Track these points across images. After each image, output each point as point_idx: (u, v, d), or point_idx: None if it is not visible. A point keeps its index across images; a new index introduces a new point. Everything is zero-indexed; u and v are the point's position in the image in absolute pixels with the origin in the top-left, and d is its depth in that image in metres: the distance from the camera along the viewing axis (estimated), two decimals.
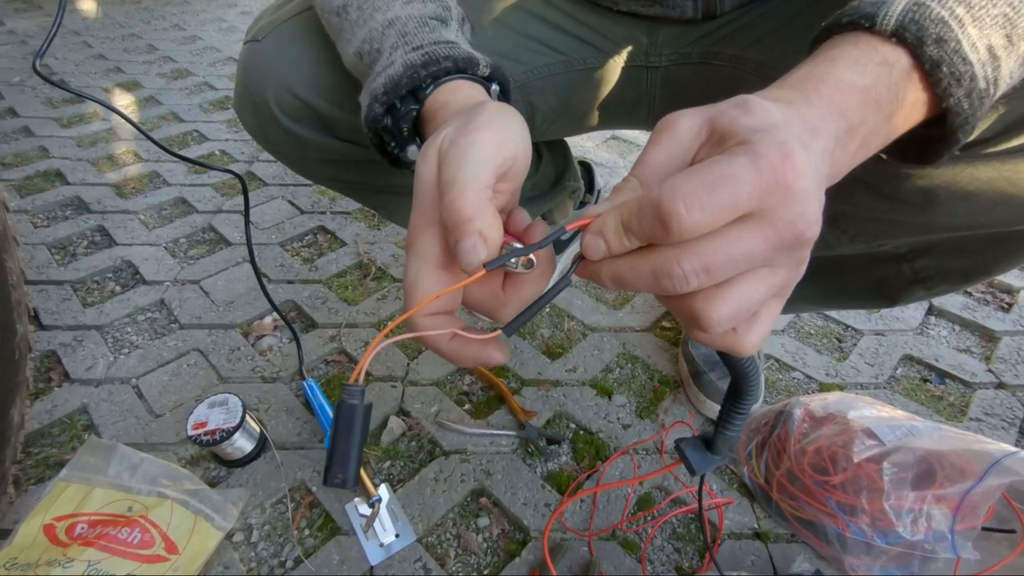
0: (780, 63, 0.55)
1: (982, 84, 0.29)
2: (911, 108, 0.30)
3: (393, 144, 0.40)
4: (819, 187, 0.24)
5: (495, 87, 0.41)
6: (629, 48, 0.63)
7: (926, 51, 0.28)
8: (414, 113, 0.38)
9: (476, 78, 0.39)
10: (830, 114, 0.27)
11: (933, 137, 0.32)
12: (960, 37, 0.28)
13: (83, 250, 1.14)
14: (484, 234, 0.28)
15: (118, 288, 1.05)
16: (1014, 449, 0.51)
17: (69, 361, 0.89)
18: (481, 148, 0.29)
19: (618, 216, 0.25)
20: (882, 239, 0.52)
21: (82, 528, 0.61)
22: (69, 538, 0.60)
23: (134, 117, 1.65)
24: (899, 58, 0.29)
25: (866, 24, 0.29)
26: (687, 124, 0.27)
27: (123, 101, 1.77)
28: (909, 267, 0.55)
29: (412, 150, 0.41)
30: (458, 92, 0.37)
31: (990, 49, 0.29)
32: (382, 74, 0.39)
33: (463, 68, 0.38)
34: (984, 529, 0.56)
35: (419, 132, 0.40)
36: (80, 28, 2.41)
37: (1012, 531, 0.56)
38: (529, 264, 0.31)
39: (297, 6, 0.55)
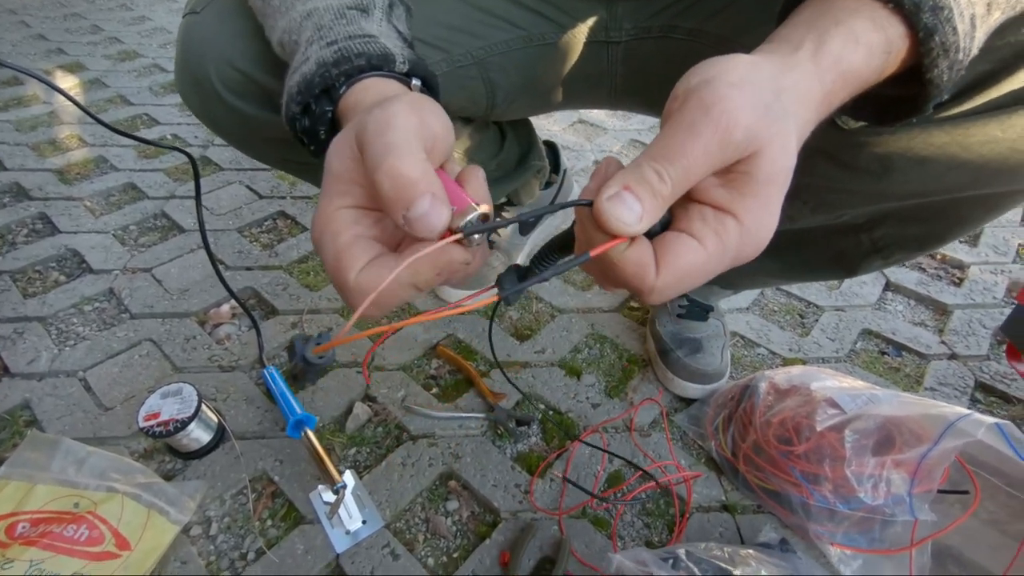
0: (739, 36, 0.55)
1: (961, 56, 0.28)
2: (887, 73, 0.29)
3: (313, 148, 0.38)
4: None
5: (416, 82, 0.38)
6: (589, 23, 0.62)
7: (923, 18, 0.27)
8: (329, 114, 0.36)
9: (393, 75, 0.37)
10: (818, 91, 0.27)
11: (895, 98, 0.32)
12: (952, 4, 0.27)
13: (23, 239, 1.07)
14: (436, 195, 0.26)
15: (62, 278, 0.99)
16: (967, 411, 0.53)
17: (8, 355, 0.83)
18: (404, 121, 0.28)
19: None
20: (841, 209, 0.52)
21: (23, 527, 0.57)
22: (9, 538, 0.56)
23: (79, 100, 1.56)
24: (898, 39, 0.28)
25: None
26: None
27: (66, 83, 1.67)
28: (867, 237, 0.56)
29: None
30: (368, 91, 0.35)
31: (972, 19, 0.28)
32: (297, 71, 0.36)
33: (377, 65, 0.36)
34: (939, 491, 0.58)
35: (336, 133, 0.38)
36: (17, 7, 2.27)
37: (965, 492, 0.58)
38: (486, 220, 0.29)
39: None
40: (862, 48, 0.28)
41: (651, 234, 0.27)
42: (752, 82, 0.25)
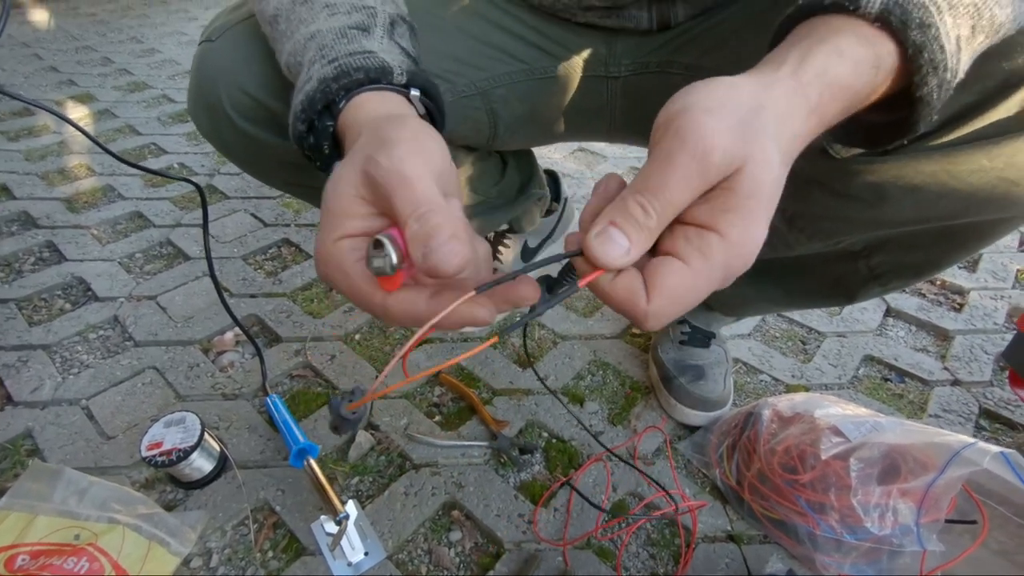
0: (733, 70, 0.56)
1: (949, 76, 0.29)
2: (878, 94, 0.30)
3: (318, 164, 0.39)
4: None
5: (414, 92, 0.39)
6: (589, 58, 0.64)
7: (910, 35, 0.28)
8: (331, 129, 0.37)
9: (393, 87, 0.38)
10: (804, 108, 0.28)
11: (887, 124, 0.33)
12: (939, 24, 0.28)
13: (30, 267, 1.08)
14: (456, 232, 0.26)
15: (68, 305, 1.00)
16: (972, 440, 0.53)
17: (12, 383, 0.84)
18: (415, 156, 0.29)
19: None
20: (837, 236, 0.53)
21: (23, 560, 0.57)
22: (8, 571, 0.56)
23: (88, 130, 1.59)
24: (887, 55, 0.29)
25: (851, 7, 0.29)
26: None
27: (76, 114, 1.71)
28: (865, 264, 0.57)
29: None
30: (362, 107, 0.36)
31: (958, 40, 0.29)
32: (301, 91, 0.38)
33: (376, 78, 0.37)
34: (947, 521, 0.57)
35: (340, 149, 0.39)
36: (30, 40, 2.33)
37: (973, 522, 0.58)
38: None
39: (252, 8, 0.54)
40: (847, 61, 0.28)
41: None
42: (727, 104, 0.26)
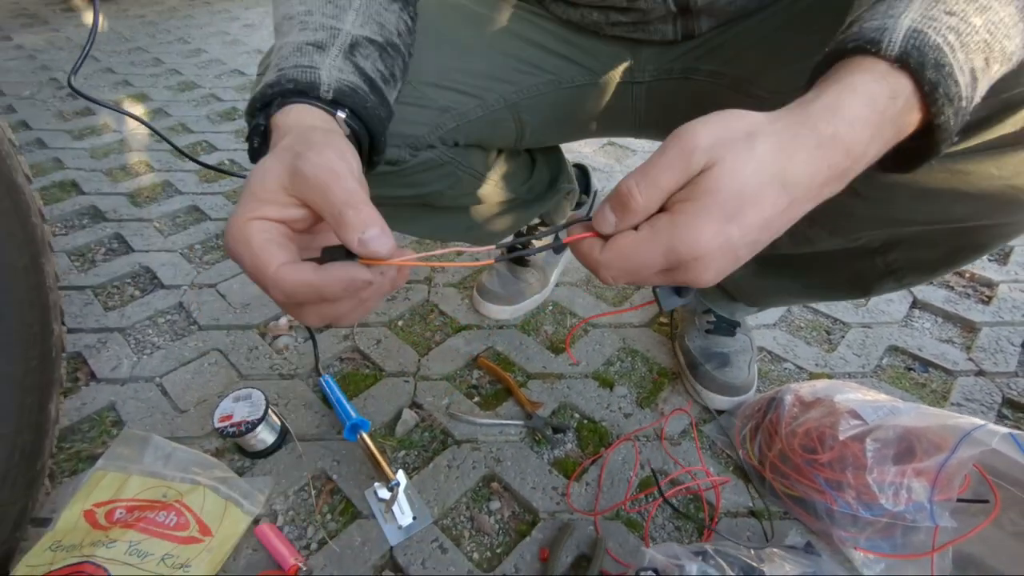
0: (755, 77, 0.60)
1: (964, 104, 0.32)
2: (904, 130, 0.33)
3: (249, 154, 0.43)
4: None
5: (340, 113, 0.42)
6: (615, 67, 0.68)
7: (927, 75, 0.31)
8: (261, 127, 0.41)
9: (318, 103, 0.41)
10: (834, 150, 0.32)
11: (911, 148, 0.35)
12: (952, 62, 0.31)
13: (102, 257, 1.18)
14: (385, 230, 0.33)
15: (137, 292, 1.09)
16: (981, 422, 0.56)
17: (95, 362, 0.93)
18: (340, 161, 0.34)
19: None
20: (856, 233, 0.56)
21: (120, 513, 0.65)
22: (109, 522, 0.64)
23: (144, 129, 1.69)
24: (904, 87, 0.32)
25: (872, 49, 0.32)
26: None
27: (134, 113, 1.82)
28: (882, 260, 0.60)
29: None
30: (289, 115, 0.40)
31: (972, 71, 0.32)
32: (255, 90, 0.43)
33: (303, 91, 0.41)
34: (960, 500, 0.60)
35: (266, 146, 0.42)
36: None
37: (986, 501, 0.61)
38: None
39: None
40: (860, 96, 0.31)
41: None
42: (724, 123, 0.31)
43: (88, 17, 2.76)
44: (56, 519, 0.66)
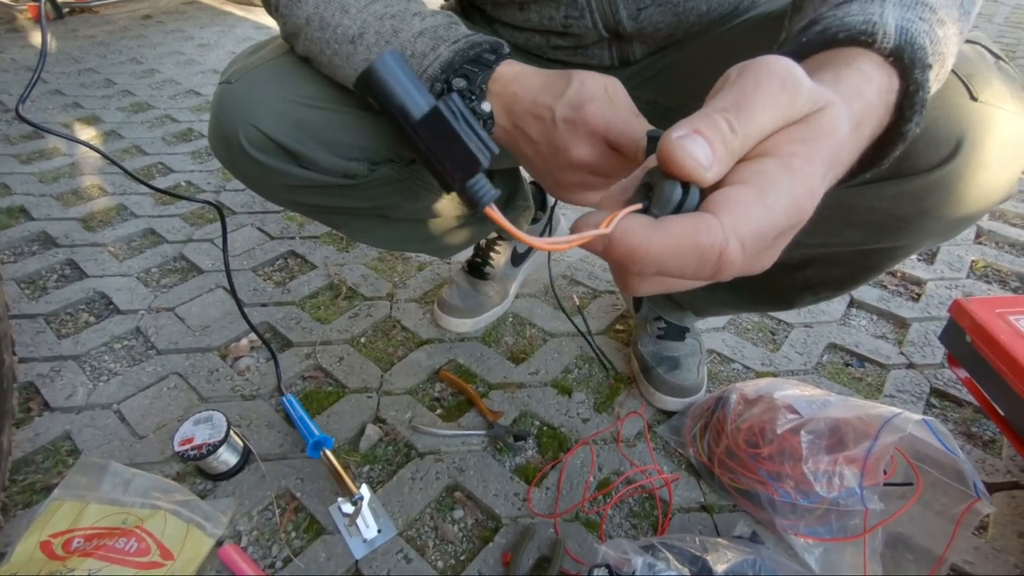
0: (680, 107, 0.65)
1: (923, 116, 0.30)
2: (877, 131, 0.30)
3: (473, 98, 0.48)
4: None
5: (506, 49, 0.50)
6: None
7: (915, 75, 0.29)
8: (490, 70, 0.47)
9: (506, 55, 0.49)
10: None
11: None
12: (932, 68, 0.30)
13: (53, 283, 1.16)
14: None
15: (92, 319, 1.07)
16: (899, 410, 0.61)
17: (48, 391, 0.91)
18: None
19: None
20: None
21: (79, 542, 0.64)
22: (67, 552, 0.63)
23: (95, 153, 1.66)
24: (894, 84, 0.29)
25: (867, 41, 0.29)
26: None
27: (84, 136, 1.78)
28: (801, 275, 0.65)
29: (485, 104, 0.48)
30: (514, 66, 0.47)
31: (936, 81, 0.32)
32: (428, 57, 0.48)
33: (496, 49, 0.49)
34: (887, 484, 0.65)
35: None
36: (34, 64, 2.40)
37: (910, 484, 0.66)
38: None
39: (267, 54, 0.62)
40: (873, 85, 0.29)
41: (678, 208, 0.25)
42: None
43: (35, 38, 2.69)
44: (10, 552, 0.65)
